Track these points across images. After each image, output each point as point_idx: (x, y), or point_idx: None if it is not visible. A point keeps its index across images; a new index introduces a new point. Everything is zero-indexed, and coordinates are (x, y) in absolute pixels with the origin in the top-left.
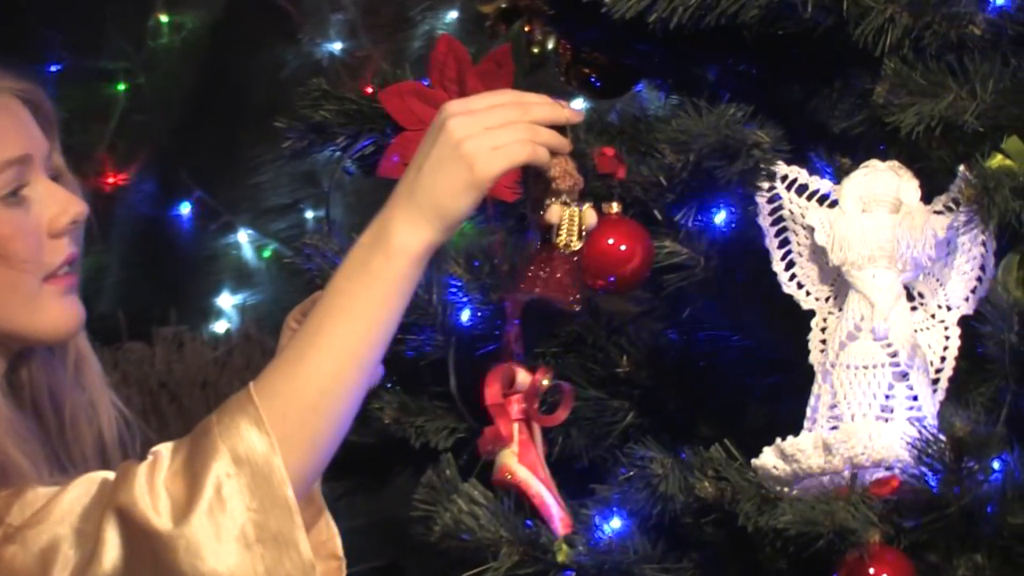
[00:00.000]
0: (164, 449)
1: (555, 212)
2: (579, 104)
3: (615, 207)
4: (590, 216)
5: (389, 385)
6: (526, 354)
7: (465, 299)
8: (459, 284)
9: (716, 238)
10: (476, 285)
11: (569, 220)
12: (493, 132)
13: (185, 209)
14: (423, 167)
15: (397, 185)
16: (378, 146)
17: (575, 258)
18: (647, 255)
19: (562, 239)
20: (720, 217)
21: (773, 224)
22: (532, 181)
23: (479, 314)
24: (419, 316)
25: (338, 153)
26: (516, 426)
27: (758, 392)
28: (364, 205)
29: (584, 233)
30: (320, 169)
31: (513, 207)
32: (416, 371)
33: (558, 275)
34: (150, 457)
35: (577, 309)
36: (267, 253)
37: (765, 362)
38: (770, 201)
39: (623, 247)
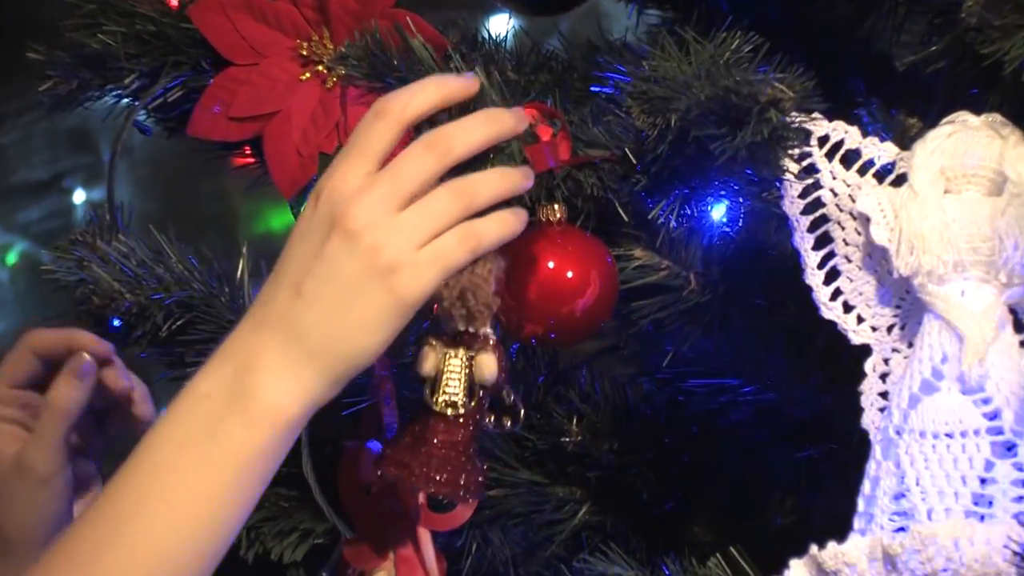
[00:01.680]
0: None
1: (426, 358)
2: (504, 21)
3: (556, 211)
4: (485, 367)
5: None
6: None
7: None
8: None
9: (714, 243)
10: None
11: (449, 373)
12: (418, 226)
13: None
14: (306, 285)
15: (260, 296)
16: (188, 89)
17: (465, 429)
18: (607, 282)
19: (438, 399)
20: (720, 212)
21: (806, 214)
22: None
23: None
24: None
25: (126, 101)
26: (392, 536)
27: (781, 472)
28: (166, 183)
29: (476, 391)
30: (97, 127)
31: None
32: None
33: (433, 456)
34: None
35: (472, 500)
36: (11, 258)
37: (792, 426)
38: (801, 178)
39: (569, 274)
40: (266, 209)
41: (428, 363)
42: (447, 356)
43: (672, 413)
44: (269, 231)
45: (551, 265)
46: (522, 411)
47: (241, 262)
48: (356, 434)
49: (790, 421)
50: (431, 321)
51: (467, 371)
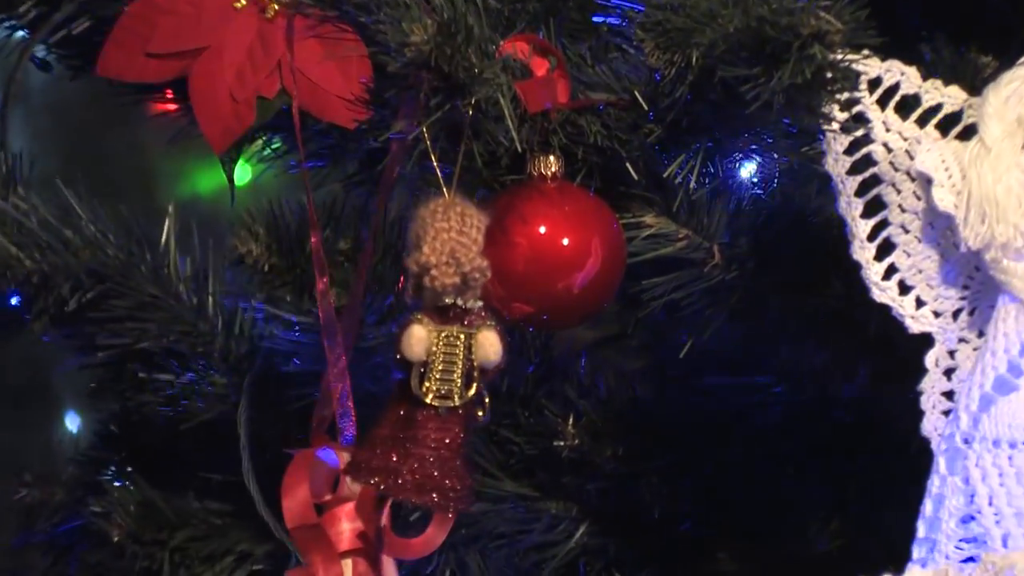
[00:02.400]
0: None
1: (417, 338)
2: None
3: (551, 164)
4: (489, 345)
5: (112, 469)
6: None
7: (270, 304)
8: (257, 276)
9: (743, 208)
10: (290, 277)
11: (444, 356)
12: None
13: None
14: None
15: None
16: (97, 19)
17: (460, 426)
18: (611, 253)
19: (430, 389)
20: (749, 170)
21: (853, 173)
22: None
23: (298, 333)
24: (179, 334)
25: (20, 33)
26: (348, 565)
27: (823, 489)
28: (72, 133)
29: (476, 377)
30: None
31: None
32: (171, 442)
33: (425, 459)
34: None
35: (463, 509)
36: None
37: (836, 433)
38: (848, 129)
39: (565, 241)
40: (192, 167)
41: (419, 345)
42: (441, 336)
43: (689, 415)
44: (196, 194)
45: (543, 230)
46: (487, 399)
47: (166, 224)
48: (304, 438)
49: (834, 426)
50: (412, 294)
51: (465, 353)
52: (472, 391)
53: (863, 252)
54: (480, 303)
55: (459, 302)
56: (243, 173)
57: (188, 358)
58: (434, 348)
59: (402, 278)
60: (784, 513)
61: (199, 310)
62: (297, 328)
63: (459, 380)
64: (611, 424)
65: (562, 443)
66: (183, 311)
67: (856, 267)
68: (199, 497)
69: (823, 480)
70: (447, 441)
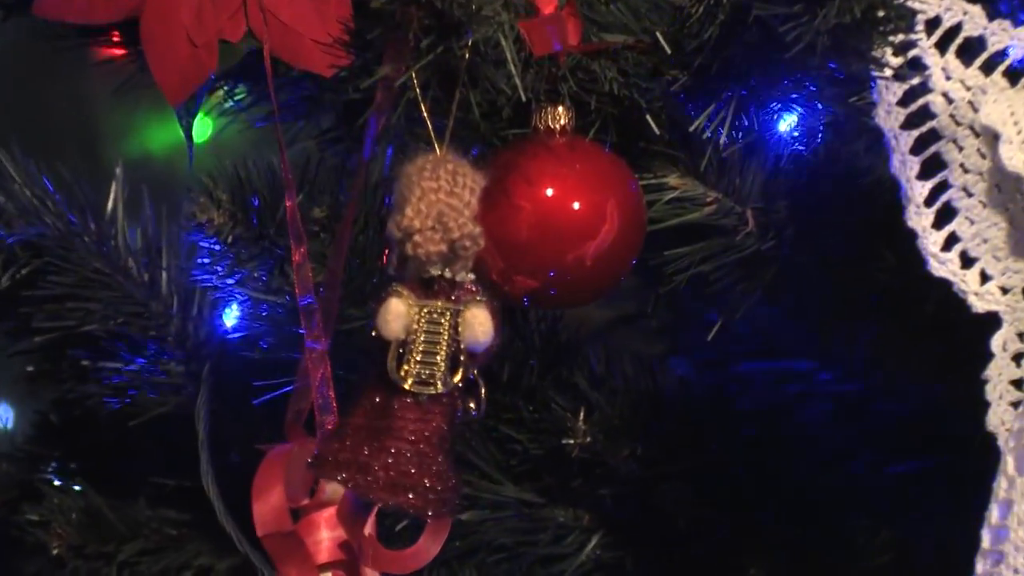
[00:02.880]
0: None
1: (395, 313)
2: None
3: (560, 116)
4: (477, 325)
5: (50, 469)
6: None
7: (234, 281)
8: (220, 251)
9: (781, 168)
10: (258, 250)
11: (426, 335)
12: None
13: None
14: None
15: None
16: None
17: (442, 416)
18: (628, 219)
19: (409, 373)
20: (789, 124)
21: (909, 127)
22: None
23: (267, 313)
24: (129, 316)
25: None
26: None
27: (873, 492)
28: (3, 83)
29: (462, 361)
30: None
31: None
32: (119, 440)
33: (401, 455)
34: None
35: (445, 514)
36: None
37: (888, 428)
38: (902, 77)
39: (576, 205)
40: (143, 122)
41: (396, 322)
42: (423, 312)
43: (719, 408)
44: (148, 153)
45: (550, 192)
46: (483, 391)
47: (113, 188)
48: (277, 433)
49: (885, 421)
50: (394, 265)
51: (451, 332)
52: (457, 377)
53: (919, 219)
54: (470, 276)
55: (446, 274)
56: (203, 129)
57: (138, 343)
58: (415, 326)
59: (386, 249)
60: (828, 521)
61: (151, 288)
62: (266, 308)
63: (443, 364)
64: (628, 419)
65: (571, 441)
66: (133, 289)
67: (911, 236)
68: (151, 503)
69: (872, 483)
70: (427, 434)
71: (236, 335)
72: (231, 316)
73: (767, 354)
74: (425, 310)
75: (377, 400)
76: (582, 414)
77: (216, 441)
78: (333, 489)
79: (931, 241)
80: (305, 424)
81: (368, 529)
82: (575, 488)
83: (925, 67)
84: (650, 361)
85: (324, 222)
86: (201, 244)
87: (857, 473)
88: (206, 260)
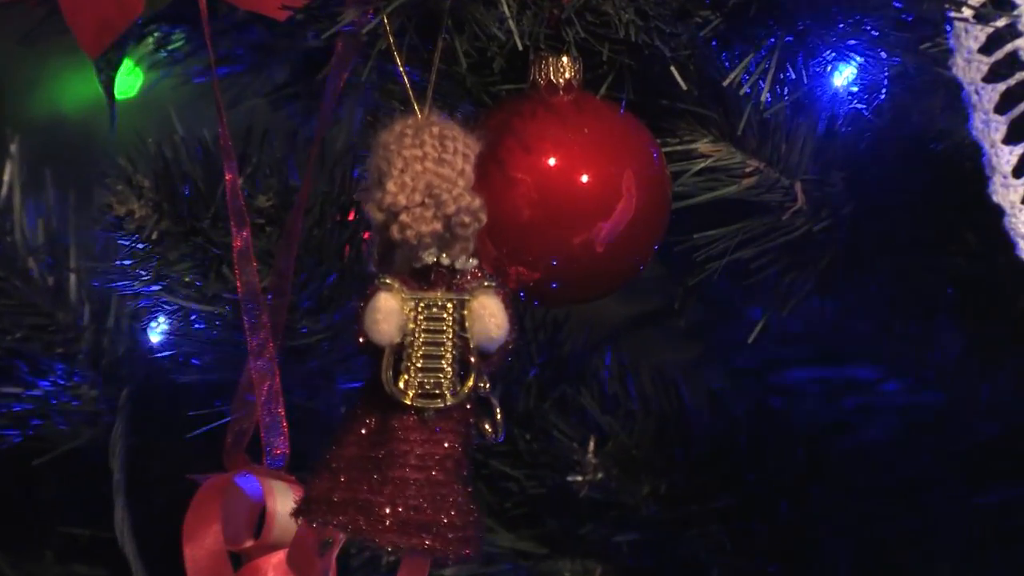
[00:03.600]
0: None
1: (386, 310)
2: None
3: (565, 68)
4: (489, 317)
5: None
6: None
7: (160, 287)
8: (142, 250)
9: (837, 131)
10: (190, 248)
11: (427, 335)
12: None
13: None
14: None
15: None
16: None
17: (456, 435)
18: (649, 195)
19: (409, 384)
20: (846, 76)
21: (993, 80)
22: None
23: (200, 327)
24: (29, 329)
25: None
26: None
27: (952, 527)
28: None
29: (474, 363)
30: None
31: None
32: (20, 480)
33: (409, 487)
34: None
35: (469, 555)
36: None
37: (970, 451)
38: (984, 19)
39: (585, 178)
40: (53, 77)
41: (389, 321)
42: (420, 306)
43: (761, 430)
44: (59, 112)
45: (553, 163)
46: (499, 410)
47: (8, 168)
48: (215, 462)
49: (966, 441)
50: (376, 257)
51: (456, 330)
52: (469, 384)
53: (1006, 192)
54: (474, 260)
55: (443, 260)
56: (128, 84)
57: (42, 362)
58: (411, 325)
59: (348, 246)
60: (899, 568)
61: (57, 295)
62: (200, 320)
63: (449, 369)
64: (649, 448)
65: (579, 478)
66: (34, 296)
67: (997, 214)
68: (60, 559)
69: (954, 518)
70: (437, 458)
71: (163, 353)
72: (157, 330)
73: (821, 360)
74: (423, 304)
75: (372, 422)
76: (591, 444)
77: (138, 482)
78: (283, 528)
79: (1021, 220)
80: (248, 450)
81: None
82: (584, 536)
83: (1013, 5)
84: (675, 373)
85: (271, 212)
86: (120, 242)
87: (935, 506)
88: (126, 261)
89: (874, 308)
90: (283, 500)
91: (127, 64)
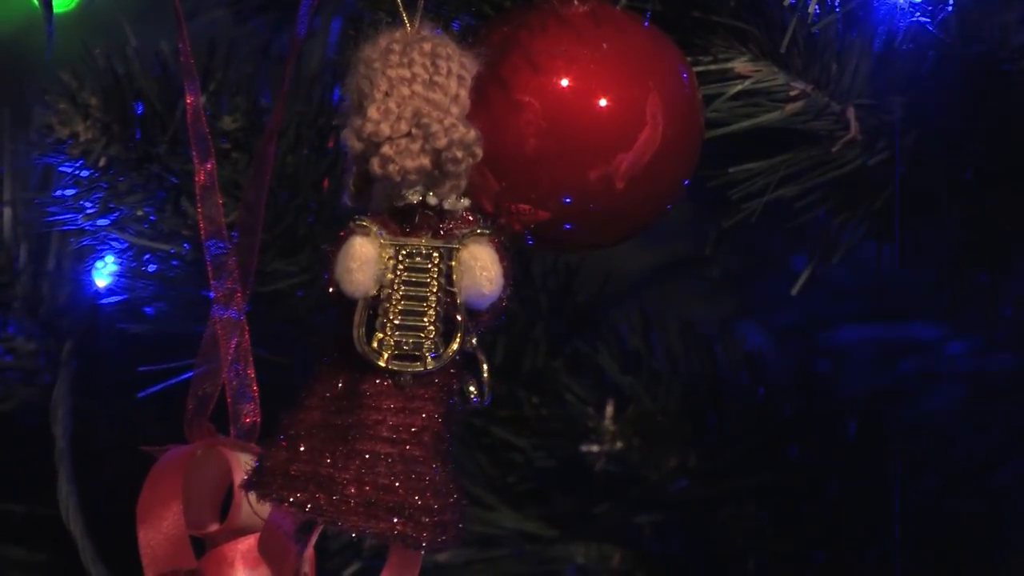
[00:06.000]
0: None
1: (361, 257)
2: None
3: None
4: (480, 269)
5: None
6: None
7: (109, 222)
8: (88, 178)
9: (895, 50)
10: (143, 178)
11: (408, 288)
12: None
13: None
14: None
15: None
16: None
17: (436, 404)
18: (678, 122)
19: (385, 344)
20: None
21: None
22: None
23: (155, 268)
24: None
25: None
26: None
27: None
28: None
29: (461, 323)
30: None
31: None
32: None
33: (379, 463)
34: None
35: (446, 545)
36: None
37: None
38: None
39: (603, 102)
40: None
41: (364, 270)
42: (402, 254)
43: (806, 395)
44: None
45: (566, 84)
46: (486, 370)
47: None
48: (173, 434)
49: None
50: (353, 191)
51: (441, 283)
52: (454, 346)
53: None
54: (466, 201)
55: (430, 200)
56: None
57: None
58: (390, 275)
59: (327, 178)
60: (963, 554)
61: None
62: (155, 261)
63: (432, 328)
64: (676, 415)
65: (595, 448)
66: None
67: None
68: None
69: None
70: (414, 430)
71: (111, 299)
72: (104, 272)
73: (876, 317)
74: (404, 252)
75: (340, 385)
76: (609, 408)
77: (83, 451)
78: (252, 510)
79: None
80: (213, 418)
81: (306, 568)
82: (599, 516)
83: None
84: (707, 330)
85: (238, 136)
86: (61, 169)
87: (1006, 486)
88: (69, 192)
89: (937, 256)
90: None
91: None
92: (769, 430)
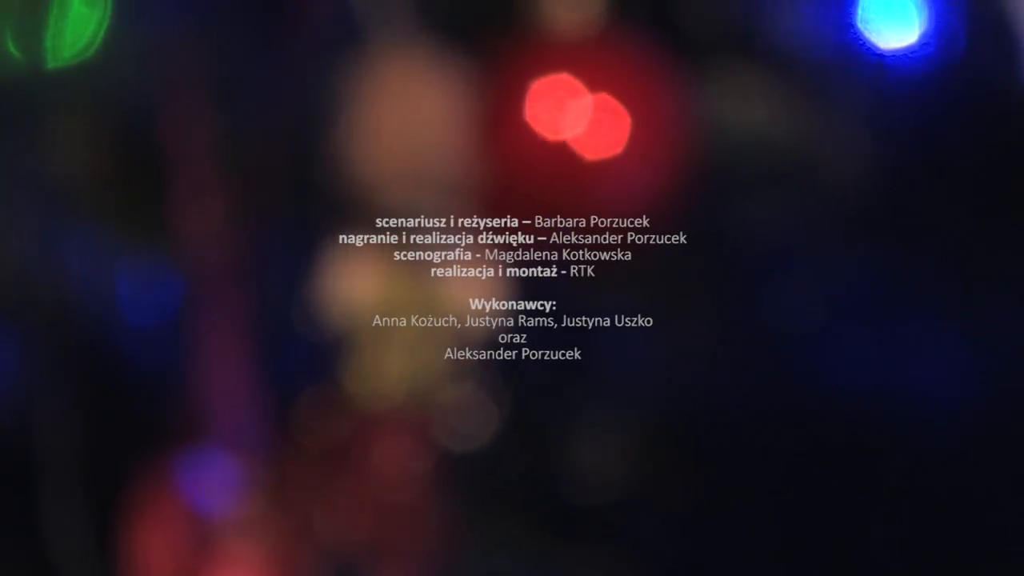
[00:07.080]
0: None
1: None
2: None
3: None
4: (474, 283)
5: None
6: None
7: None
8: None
9: None
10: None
11: (399, 305)
12: None
13: None
14: None
15: None
16: None
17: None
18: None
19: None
20: None
21: None
22: None
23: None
24: None
25: None
26: None
27: None
28: None
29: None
30: None
31: None
32: None
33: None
34: None
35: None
36: None
37: None
38: None
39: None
40: None
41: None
42: (393, 268)
43: (798, 399)
44: None
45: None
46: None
47: None
48: (163, 442)
49: None
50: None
51: (432, 303)
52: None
53: None
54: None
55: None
56: None
57: None
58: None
59: None
60: (957, 553)
61: None
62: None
63: (427, 351)
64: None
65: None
66: None
67: None
68: None
69: None
70: (399, 465)
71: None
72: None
73: (876, 316)
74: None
75: (324, 418)
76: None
77: (63, 466)
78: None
79: None
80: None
81: None
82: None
83: None
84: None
85: None
86: None
87: (1006, 487)
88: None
89: (937, 256)
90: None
91: None
92: (756, 438)
